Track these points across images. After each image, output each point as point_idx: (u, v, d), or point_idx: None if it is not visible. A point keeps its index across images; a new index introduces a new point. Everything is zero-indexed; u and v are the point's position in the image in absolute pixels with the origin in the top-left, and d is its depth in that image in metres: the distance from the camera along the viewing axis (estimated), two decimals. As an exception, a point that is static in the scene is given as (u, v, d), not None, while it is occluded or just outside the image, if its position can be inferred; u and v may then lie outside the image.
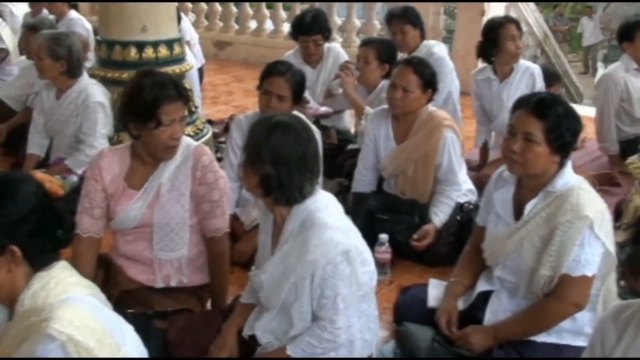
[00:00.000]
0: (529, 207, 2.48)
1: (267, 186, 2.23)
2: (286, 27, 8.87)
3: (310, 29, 4.69)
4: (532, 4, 7.84)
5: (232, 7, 9.36)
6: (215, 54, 9.18)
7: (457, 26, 7.54)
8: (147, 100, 2.52)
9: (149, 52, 4.43)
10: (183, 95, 2.61)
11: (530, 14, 7.69)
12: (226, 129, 5.74)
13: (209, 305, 2.90)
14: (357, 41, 8.43)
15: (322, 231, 2.18)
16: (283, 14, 8.85)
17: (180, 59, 4.63)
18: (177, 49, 4.57)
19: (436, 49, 4.65)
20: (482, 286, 2.66)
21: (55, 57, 3.98)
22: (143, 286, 2.74)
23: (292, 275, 2.20)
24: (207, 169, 2.72)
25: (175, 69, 4.53)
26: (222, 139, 5.46)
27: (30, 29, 4.92)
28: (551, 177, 2.46)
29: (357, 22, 8.42)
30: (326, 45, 4.87)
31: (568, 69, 9.00)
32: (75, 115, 4.11)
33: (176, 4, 4.89)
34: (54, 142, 4.34)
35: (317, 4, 8.65)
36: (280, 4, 9.01)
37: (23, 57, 5.94)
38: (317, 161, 2.30)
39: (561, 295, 2.40)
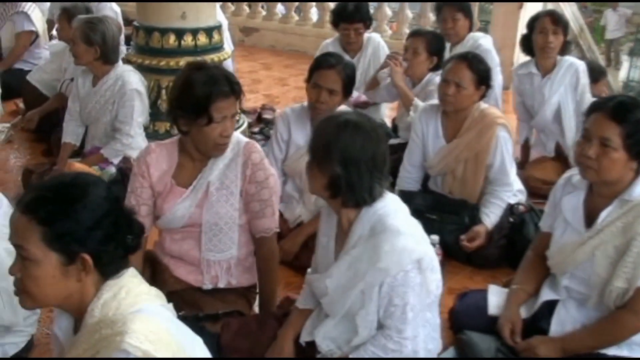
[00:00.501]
0: (603, 215, 2.36)
1: (336, 188, 2.13)
2: (314, 15, 8.75)
3: (353, 16, 4.58)
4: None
5: (262, -9, 9.23)
6: (241, 40, 9.05)
7: (493, 18, 7.35)
8: (199, 95, 2.41)
9: (187, 40, 4.32)
10: (236, 91, 2.49)
11: (567, 7, 7.50)
12: (259, 119, 5.64)
13: (256, 305, 2.81)
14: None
15: (394, 238, 2.07)
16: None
17: (218, 47, 4.52)
18: (216, 37, 4.46)
19: (483, 41, 4.51)
20: (546, 295, 2.55)
21: (89, 42, 3.86)
22: (191, 287, 2.65)
23: (360, 282, 2.10)
24: (257, 167, 2.62)
25: (213, 57, 4.43)
26: (256, 129, 5.35)
27: (65, 14, 4.81)
28: (627, 185, 2.35)
29: (409, 13, 8.24)
30: (366, 34, 4.75)
31: (601, 64, 8.79)
32: (111, 103, 4.00)
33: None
34: (89, 130, 4.23)
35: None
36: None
37: (54, 41, 5.86)
38: (386, 162, 2.19)
39: (637, 308, 2.29)
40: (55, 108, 4.94)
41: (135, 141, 4.01)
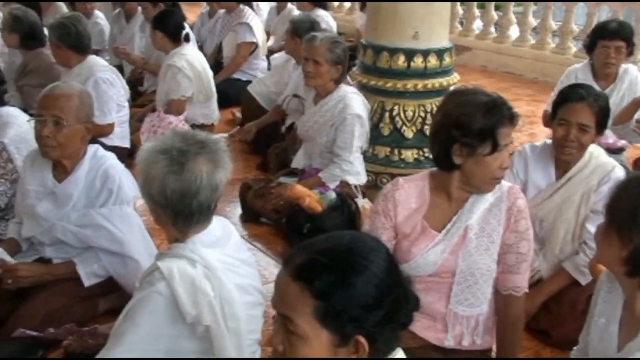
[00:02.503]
0: None
1: (637, 264, 1.72)
2: (533, 36, 8.16)
3: (616, 33, 4.13)
4: None
5: (475, 10, 8.79)
6: (450, 58, 8.68)
7: None
8: (485, 120, 2.13)
9: (417, 61, 4.05)
10: (516, 118, 2.18)
11: None
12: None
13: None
14: (572, 47, 7.59)
15: None
16: (532, 20, 8.10)
17: (448, 71, 4.20)
18: (447, 60, 4.15)
19: None
20: None
21: (335, 62, 3.72)
22: (427, 344, 2.35)
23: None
24: (521, 215, 2.29)
25: (442, 81, 4.13)
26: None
27: (292, 28, 4.76)
28: None
29: (575, 27, 7.58)
30: (623, 66, 4.21)
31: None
32: (330, 125, 3.84)
33: (457, 8, 4.40)
34: (304, 147, 4.12)
35: (533, 5, 8.15)
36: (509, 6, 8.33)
37: (276, 55, 5.90)
38: None
39: None
40: (273, 122, 4.91)
41: (353, 166, 3.83)
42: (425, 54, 4.05)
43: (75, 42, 4.34)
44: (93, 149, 2.83)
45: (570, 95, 2.96)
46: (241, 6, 6.52)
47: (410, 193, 2.35)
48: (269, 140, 4.78)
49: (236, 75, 6.30)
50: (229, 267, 2.03)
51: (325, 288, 1.28)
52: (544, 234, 3.04)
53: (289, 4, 7.77)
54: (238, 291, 2.03)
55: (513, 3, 8.36)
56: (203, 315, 1.91)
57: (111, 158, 2.86)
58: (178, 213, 1.97)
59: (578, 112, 2.89)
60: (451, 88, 4.27)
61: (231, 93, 5.81)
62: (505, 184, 2.33)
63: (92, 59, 4.50)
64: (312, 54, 3.77)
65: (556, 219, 2.98)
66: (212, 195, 1.98)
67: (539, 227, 3.06)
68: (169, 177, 1.92)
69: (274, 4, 7.97)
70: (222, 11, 6.80)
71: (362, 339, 1.29)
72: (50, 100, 2.70)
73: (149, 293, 1.91)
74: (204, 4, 7.94)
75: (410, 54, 4.03)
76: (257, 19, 6.63)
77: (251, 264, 2.19)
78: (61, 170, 2.80)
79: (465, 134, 2.14)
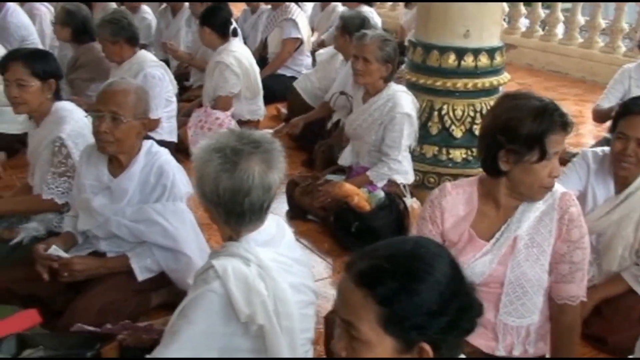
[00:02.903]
0: None
1: None
2: (581, 34, 8.00)
3: None
4: None
5: (521, 7, 8.64)
6: (495, 56, 8.56)
7: None
8: (534, 126, 2.06)
9: (468, 60, 3.99)
10: (569, 125, 2.12)
11: None
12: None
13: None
14: (622, 47, 7.42)
15: None
16: (580, 18, 7.94)
17: (498, 70, 4.14)
18: (498, 59, 4.09)
19: None
20: None
21: (385, 60, 3.70)
22: (479, 351, 2.32)
23: None
24: (573, 224, 2.22)
25: (493, 80, 4.08)
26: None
27: (342, 24, 4.75)
28: None
29: (625, 25, 7.40)
30: None
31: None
32: (378, 124, 3.81)
33: (503, 6, 4.32)
34: (352, 145, 4.10)
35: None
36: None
37: (321, 50, 5.89)
38: None
39: None
40: (320, 118, 4.91)
41: (401, 165, 3.80)
42: (476, 52, 3.99)
43: (130, 34, 4.41)
44: (148, 144, 2.86)
45: (631, 107, 2.85)
46: (287, 2, 6.52)
47: (458, 199, 2.30)
48: (315, 136, 4.77)
49: (281, 71, 6.31)
50: (282, 267, 2.02)
51: (389, 295, 1.27)
52: (601, 248, 2.97)
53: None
54: (291, 290, 2.02)
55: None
56: (256, 314, 1.90)
57: (165, 154, 2.89)
58: (230, 211, 1.97)
59: (637, 126, 2.80)
60: (501, 88, 4.21)
61: (276, 89, 5.82)
62: (558, 189, 2.25)
63: (142, 54, 4.55)
64: (363, 52, 3.75)
65: (614, 235, 2.90)
66: (264, 195, 1.97)
67: (596, 241, 2.98)
68: (221, 176, 1.92)
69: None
70: (266, 7, 6.82)
71: (426, 346, 1.27)
72: (108, 96, 2.73)
73: (204, 291, 1.91)
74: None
75: (460, 52, 3.98)
76: (302, 15, 6.63)
77: (304, 262, 2.18)
78: (117, 165, 2.84)
79: (511, 140, 2.09)
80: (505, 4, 8.69)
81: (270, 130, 5.14)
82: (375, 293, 1.29)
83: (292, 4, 6.54)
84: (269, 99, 5.57)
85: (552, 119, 2.07)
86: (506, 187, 2.20)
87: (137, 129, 2.76)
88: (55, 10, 5.68)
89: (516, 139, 2.08)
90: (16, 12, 5.91)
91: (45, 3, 6.75)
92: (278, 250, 2.06)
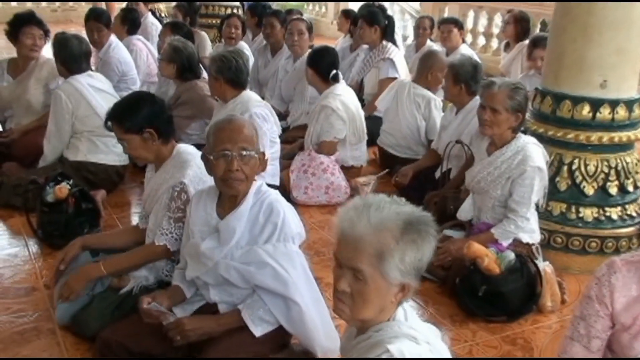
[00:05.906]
0: None
1: None
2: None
3: None
4: None
5: None
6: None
7: None
8: None
9: (604, 112, 3.69)
10: None
11: None
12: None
13: None
14: None
15: None
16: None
17: (636, 123, 3.82)
18: (636, 111, 3.77)
19: None
20: None
21: (515, 110, 3.45)
22: None
23: None
24: None
25: (630, 134, 3.77)
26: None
27: (452, 69, 4.51)
28: None
29: None
30: None
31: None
32: (506, 178, 3.52)
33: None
34: (473, 199, 3.79)
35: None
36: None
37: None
38: None
39: None
40: (429, 166, 4.66)
41: (529, 223, 3.52)
42: (614, 104, 3.69)
43: (233, 77, 4.30)
44: (258, 183, 2.70)
45: None
46: (384, 42, 6.36)
47: (629, 277, 2.03)
48: (421, 186, 4.51)
49: (377, 113, 6.10)
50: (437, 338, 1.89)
51: None
52: None
53: (429, 41, 7.56)
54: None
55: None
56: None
57: (275, 193, 2.72)
58: None
59: None
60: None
61: (374, 131, 5.60)
62: None
63: (247, 93, 4.43)
64: (491, 102, 3.49)
65: None
66: None
67: None
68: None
69: (412, 39, 7.78)
70: (364, 46, 6.66)
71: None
72: (234, 133, 2.58)
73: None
74: (342, 35, 7.90)
75: (596, 103, 3.69)
76: (400, 54, 6.45)
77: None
78: (227, 208, 2.67)
79: None
80: None
81: (374, 177, 4.91)
82: None
83: (390, 44, 6.38)
84: (367, 142, 5.37)
85: None
86: None
87: (260, 164, 2.65)
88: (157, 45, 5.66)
89: None
90: (118, 47, 5.93)
91: (142, 37, 6.77)
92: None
